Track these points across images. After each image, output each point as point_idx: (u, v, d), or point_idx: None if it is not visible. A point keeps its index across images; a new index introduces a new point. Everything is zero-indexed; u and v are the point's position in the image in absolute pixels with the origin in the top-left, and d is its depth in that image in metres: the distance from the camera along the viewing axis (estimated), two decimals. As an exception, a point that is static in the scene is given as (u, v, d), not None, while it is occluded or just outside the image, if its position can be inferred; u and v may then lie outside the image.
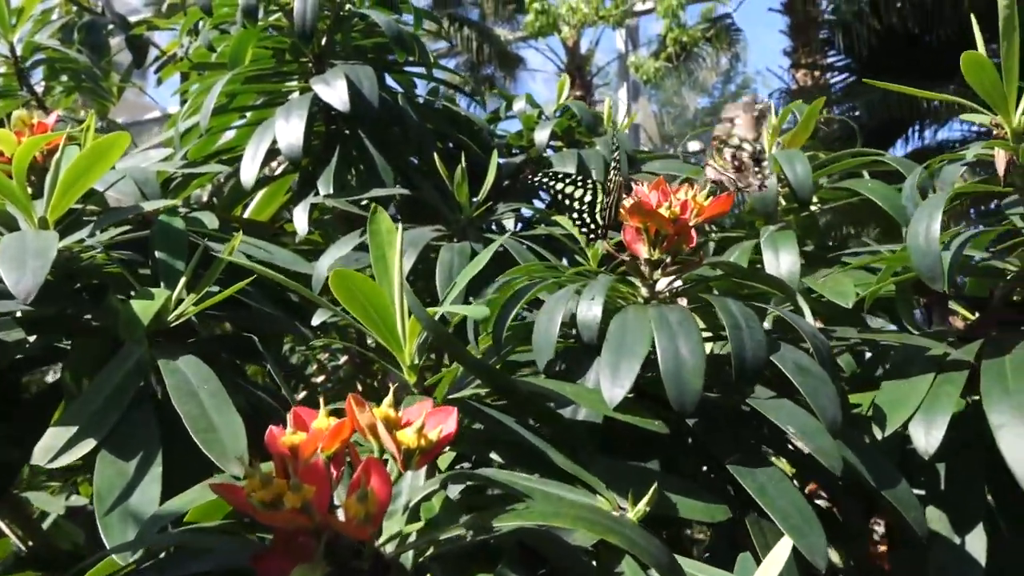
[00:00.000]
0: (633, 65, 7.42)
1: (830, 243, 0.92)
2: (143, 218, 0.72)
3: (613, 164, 0.59)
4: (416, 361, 0.47)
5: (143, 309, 0.52)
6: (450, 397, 0.48)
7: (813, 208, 0.92)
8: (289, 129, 0.81)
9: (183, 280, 0.59)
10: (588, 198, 0.60)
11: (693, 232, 0.56)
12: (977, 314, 0.67)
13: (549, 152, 1.06)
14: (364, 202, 0.91)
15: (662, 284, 0.58)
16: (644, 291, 0.57)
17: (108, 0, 1.53)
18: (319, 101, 0.84)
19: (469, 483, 0.42)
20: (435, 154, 0.83)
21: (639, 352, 0.45)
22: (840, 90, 6.16)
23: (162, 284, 0.60)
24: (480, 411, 0.46)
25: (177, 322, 0.59)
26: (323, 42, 0.99)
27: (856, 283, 0.68)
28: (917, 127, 5.77)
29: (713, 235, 1.03)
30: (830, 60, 6.41)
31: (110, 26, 1.40)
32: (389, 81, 1.11)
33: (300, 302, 0.79)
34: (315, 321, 0.78)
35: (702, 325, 0.64)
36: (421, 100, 1.09)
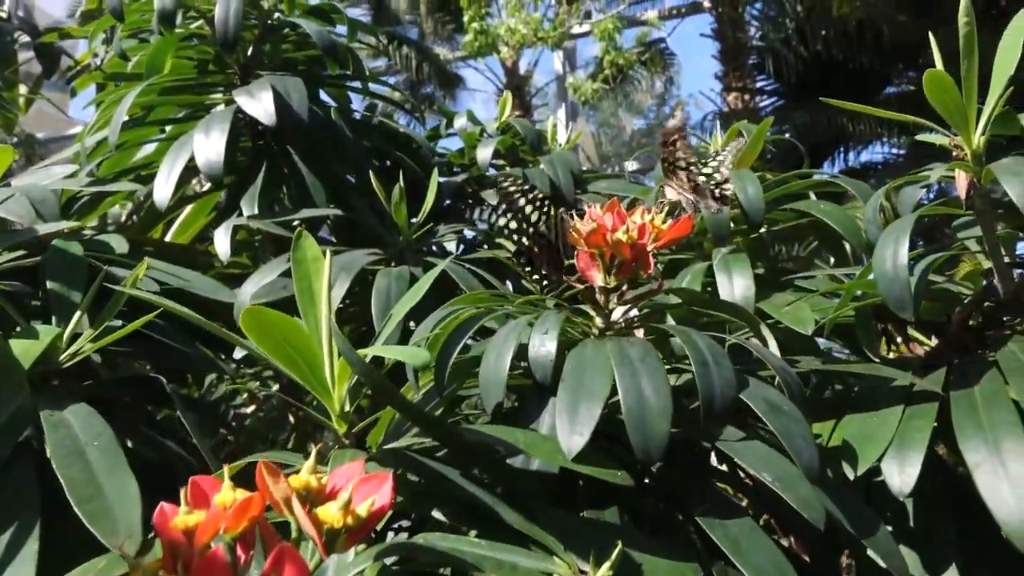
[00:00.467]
0: (571, 86, 7.50)
1: (779, 265, 0.90)
2: (39, 242, 0.64)
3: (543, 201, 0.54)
4: (347, 408, 0.42)
5: (25, 349, 0.45)
6: (387, 447, 0.42)
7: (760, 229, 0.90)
8: (209, 144, 0.74)
9: (79, 314, 0.52)
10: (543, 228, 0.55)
11: (651, 257, 0.52)
12: (934, 339, 0.65)
13: (492, 171, 1.02)
14: (296, 223, 0.85)
15: (617, 313, 0.54)
16: (599, 321, 0.53)
17: (25, 7, 1.42)
18: (244, 114, 0.78)
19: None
20: (372, 172, 0.77)
21: (599, 393, 0.40)
22: (769, 113, 6.37)
23: (53, 319, 0.52)
24: (421, 463, 0.40)
25: (71, 362, 0.51)
26: (249, 52, 0.93)
27: (812, 308, 0.66)
28: (842, 150, 6.01)
29: (659, 257, 1.00)
30: (760, 84, 6.63)
31: (16, 33, 1.29)
32: (323, 96, 1.05)
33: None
34: (238, 354, 0.71)
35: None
36: (357, 116, 1.04)
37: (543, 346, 0.44)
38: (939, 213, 0.57)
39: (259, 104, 0.73)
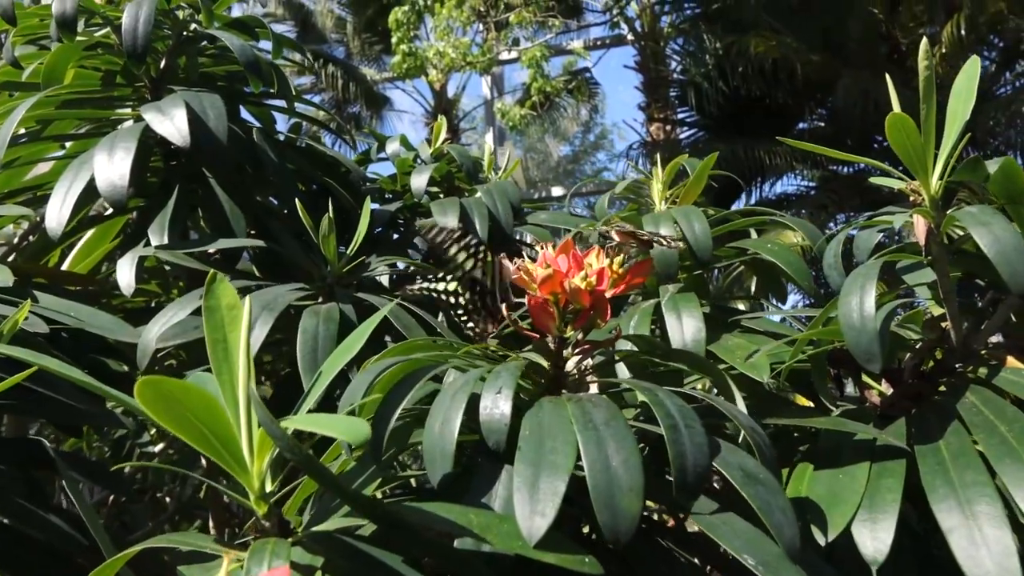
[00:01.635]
0: (499, 111, 7.55)
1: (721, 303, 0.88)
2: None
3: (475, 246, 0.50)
4: (268, 487, 0.35)
5: None
6: (315, 530, 0.36)
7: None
8: (111, 166, 0.66)
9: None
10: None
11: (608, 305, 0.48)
12: (885, 384, 0.64)
13: (427, 198, 0.97)
14: (211, 254, 0.77)
15: (571, 364, 0.49)
16: (552, 373, 0.48)
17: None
18: (153, 132, 0.70)
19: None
20: (297, 199, 0.71)
21: (563, 466, 0.35)
22: (690, 144, 6.59)
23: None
24: (354, 549, 0.35)
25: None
26: (162, 65, 0.85)
27: (770, 350, 0.64)
28: (759, 181, 6.26)
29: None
30: (681, 116, 6.86)
31: None
32: (244, 114, 0.98)
33: (129, 371, 0.64)
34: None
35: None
36: (282, 137, 0.97)
37: (496, 407, 0.39)
38: (898, 259, 0.55)
39: (170, 123, 0.66)
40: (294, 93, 0.94)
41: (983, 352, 0.58)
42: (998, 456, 0.44)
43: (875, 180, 0.58)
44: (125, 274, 0.69)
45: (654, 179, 0.89)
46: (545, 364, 0.48)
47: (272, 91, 0.95)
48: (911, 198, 0.53)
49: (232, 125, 0.81)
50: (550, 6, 7.08)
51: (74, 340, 0.65)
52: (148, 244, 0.74)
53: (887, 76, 0.54)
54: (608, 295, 0.46)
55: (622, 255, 0.48)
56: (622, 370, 0.60)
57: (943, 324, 0.58)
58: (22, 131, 0.82)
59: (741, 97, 5.13)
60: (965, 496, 0.43)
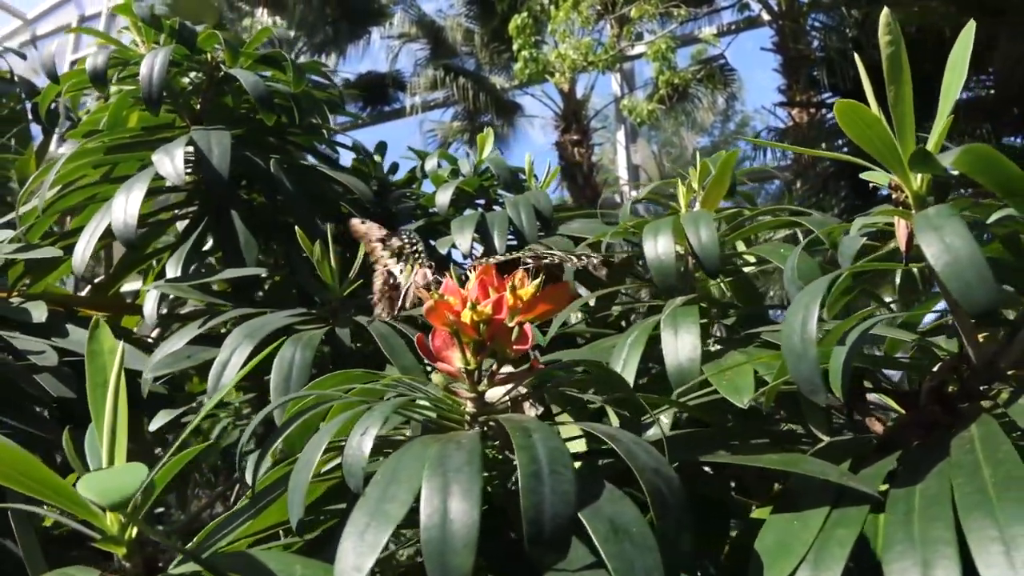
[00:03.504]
0: (626, 108, 7.41)
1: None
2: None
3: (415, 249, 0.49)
4: (129, 533, 0.36)
5: None
6: (172, 572, 0.37)
7: (749, 268, 0.81)
8: (127, 206, 0.71)
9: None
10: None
11: (528, 330, 0.45)
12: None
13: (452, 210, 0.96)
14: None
15: (495, 393, 0.47)
16: (470, 406, 0.46)
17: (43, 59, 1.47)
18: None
19: None
20: (298, 227, 0.73)
21: (394, 515, 0.33)
22: (832, 126, 6.11)
23: None
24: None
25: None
26: (198, 106, 0.91)
27: (759, 367, 0.57)
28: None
29: (640, 307, 0.92)
30: (823, 97, 6.38)
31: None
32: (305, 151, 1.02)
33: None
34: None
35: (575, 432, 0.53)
36: (331, 162, 1.00)
37: (358, 449, 0.37)
38: (874, 269, 0.47)
39: (169, 162, 0.70)
40: (328, 122, 0.97)
41: (1010, 372, 0.48)
42: (968, 507, 0.36)
43: (866, 176, 0.50)
44: (148, 307, 0.74)
45: (680, 182, 0.83)
46: (464, 396, 0.46)
47: (316, 123, 0.99)
48: (894, 196, 0.46)
49: (254, 156, 0.85)
50: (674, -5, 6.86)
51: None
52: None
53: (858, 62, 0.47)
54: (512, 324, 0.43)
55: (539, 280, 0.45)
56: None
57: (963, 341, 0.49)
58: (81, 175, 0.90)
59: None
60: (923, 555, 0.36)
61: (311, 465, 0.37)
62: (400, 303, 0.52)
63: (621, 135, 8.37)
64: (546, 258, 0.51)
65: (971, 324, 0.47)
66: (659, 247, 0.67)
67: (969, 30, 0.44)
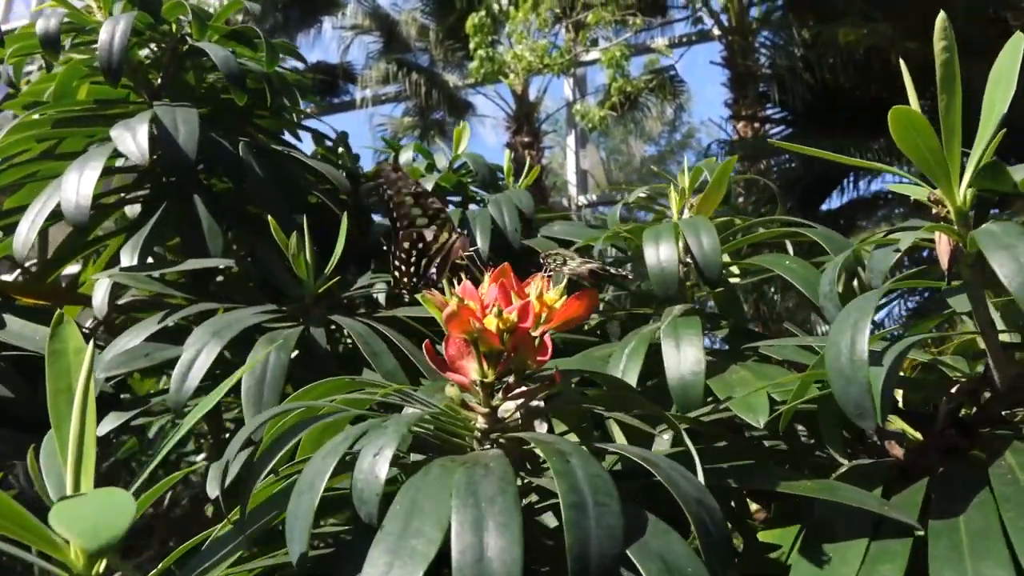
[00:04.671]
0: (578, 113, 7.45)
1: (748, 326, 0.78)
2: None
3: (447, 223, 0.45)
4: (97, 568, 0.31)
5: None
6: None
7: (734, 280, 0.79)
8: (80, 185, 0.64)
9: None
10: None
11: (548, 341, 0.41)
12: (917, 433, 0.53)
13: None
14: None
15: (508, 408, 0.42)
16: (481, 422, 0.41)
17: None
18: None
19: None
20: (271, 216, 0.67)
21: (422, 554, 0.29)
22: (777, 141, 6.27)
23: None
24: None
25: None
26: (158, 81, 0.83)
27: (773, 387, 0.55)
28: (852, 178, 5.88)
29: (619, 313, 0.89)
30: (769, 112, 6.55)
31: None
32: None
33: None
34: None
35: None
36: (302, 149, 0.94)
37: (371, 473, 0.33)
38: (914, 286, 0.45)
39: (131, 139, 0.64)
40: (299, 106, 0.91)
41: (1036, 398, 0.47)
42: (1026, 544, 0.34)
43: (894, 188, 0.48)
44: (98, 296, 0.67)
45: (672, 186, 0.81)
46: (475, 412, 0.42)
47: (288, 105, 0.93)
48: (934, 210, 0.44)
49: (222, 139, 0.78)
50: (630, 4, 6.93)
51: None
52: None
53: (902, 65, 0.45)
54: (535, 333, 0.39)
55: (562, 285, 0.41)
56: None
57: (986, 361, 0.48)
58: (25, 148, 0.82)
59: (829, 90, 4.84)
60: (981, 596, 0.34)
61: (317, 490, 0.32)
62: (427, 272, 0.47)
63: (571, 140, 8.42)
64: (575, 264, 0.48)
65: (1000, 346, 0.45)
66: (661, 254, 0.64)
67: (1017, 40, 0.42)
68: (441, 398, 0.44)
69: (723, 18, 6.98)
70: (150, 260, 0.75)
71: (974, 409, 0.50)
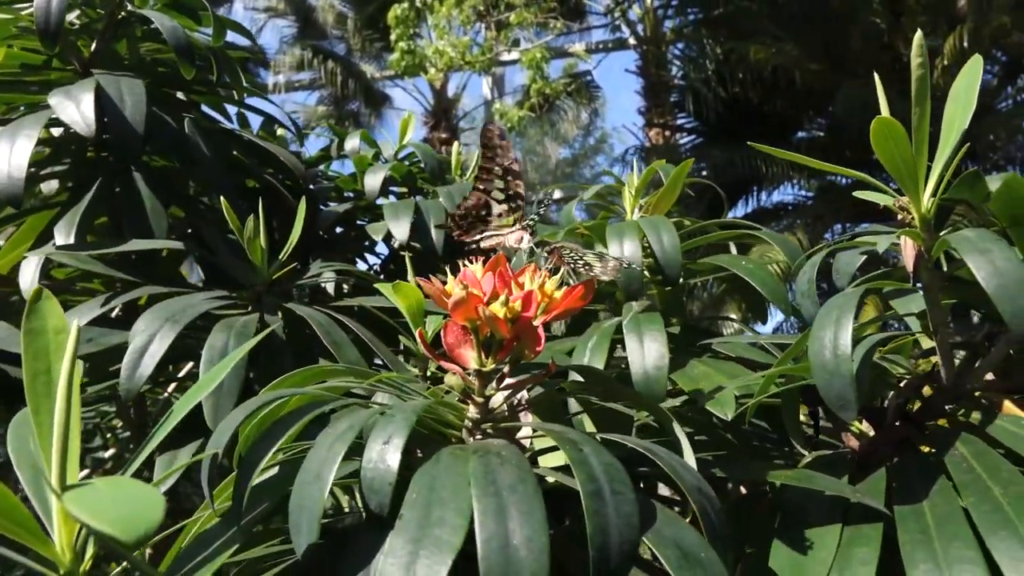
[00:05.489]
0: (498, 112, 7.48)
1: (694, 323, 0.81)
2: None
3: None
4: (85, 566, 0.28)
5: None
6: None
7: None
8: (12, 156, 0.59)
9: None
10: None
11: (541, 332, 0.41)
12: (864, 423, 0.57)
13: (382, 200, 0.90)
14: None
15: (498, 399, 0.42)
16: (472, 411, 0.41)
17: None
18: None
19: None
20: (224, 198, 0.64)
21: (449, 543, 0.28)
22: (689, 150, 6.52)
23: None
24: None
25: None
26: (93, 48, 0.78)
27: (731, 381, 0.57)
28: (756, 189, 6.19)
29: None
30: (680, 121, 6.79)
31: None
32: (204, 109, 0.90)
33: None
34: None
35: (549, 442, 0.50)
36: (236, 129, 0.89)
37: (382, 462, 0.32)
38: (882, 286, 0.48)
39: (75, 108, 0.59)
40: (242, 83, 0.87)
41: (977, 393, 0.51)
42: (990, 526, 0.37)
43: (861, 194, 0.51)
44: (27, 276, 0.62)
45: (626, 186, 0.82)
46: (466, 402, 0.41)
47: (226, 80, 0.88)
48: (899, 216, 0.47)
49: (163, 114, 0.74)
50: (551, 7, 7.02)
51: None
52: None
53: (876, 77, 0.47)
54: (537, 323, 0.39)
55: (559, 275, 0.41)
56: (573, 403, 0.54)
57: (932, 359, 0.51)
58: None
59: (740, 104, 5.07)
60: (950, 575, 0.36)
61: (325, 480, 0.31)
62: (477, 237, 0.47)
63: (488, 139, 8.42)
64: (574, 257, 0.48)
65: (949, 345, 0.49)
66: (626, 251, 0.65)
67: (975, 63, 0.46)
68: (423, 387, 0.43)
69: (639, 28, 7.18)
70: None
71: (917, 404, 0.54)
